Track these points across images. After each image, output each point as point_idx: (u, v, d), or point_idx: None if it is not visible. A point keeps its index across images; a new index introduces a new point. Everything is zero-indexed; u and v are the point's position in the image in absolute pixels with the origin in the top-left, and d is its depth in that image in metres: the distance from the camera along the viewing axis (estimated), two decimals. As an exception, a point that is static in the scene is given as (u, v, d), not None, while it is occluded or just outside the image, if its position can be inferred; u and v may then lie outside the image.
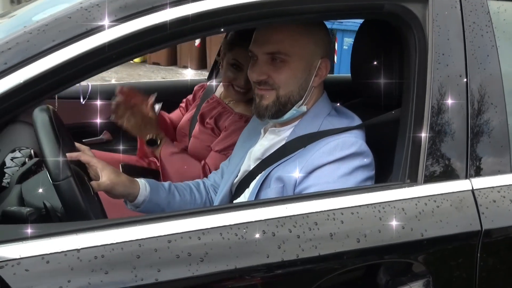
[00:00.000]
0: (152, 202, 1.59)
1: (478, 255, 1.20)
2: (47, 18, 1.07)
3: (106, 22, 1.06)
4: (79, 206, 1.22)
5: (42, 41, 1.03)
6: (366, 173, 1.40)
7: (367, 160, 1.41)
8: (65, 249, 0.96)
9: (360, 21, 1.73)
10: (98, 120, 2.62)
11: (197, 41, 9.34)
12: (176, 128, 2.50)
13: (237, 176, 1.65)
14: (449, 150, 1.27)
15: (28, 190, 1.41)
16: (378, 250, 1.15)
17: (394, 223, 1.14)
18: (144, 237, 1.01)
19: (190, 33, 1.14)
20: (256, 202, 1.13)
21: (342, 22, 7.08)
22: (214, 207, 1.12)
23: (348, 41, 7.22)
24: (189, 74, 9.10)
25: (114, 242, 0.99)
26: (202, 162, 2.06)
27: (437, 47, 1.30)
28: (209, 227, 1.06)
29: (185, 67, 9.60)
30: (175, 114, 2.58)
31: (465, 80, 1.31)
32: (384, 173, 1.42)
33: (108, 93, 2.76)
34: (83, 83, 2.62)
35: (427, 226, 1.18)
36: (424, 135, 1.26)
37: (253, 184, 1.54)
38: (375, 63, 1.69)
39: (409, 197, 1.20)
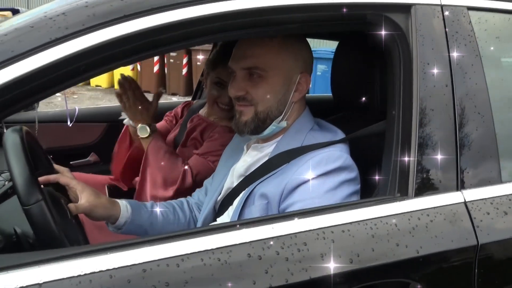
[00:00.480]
0: (134, 224, 1.41)
1: (476, 271, 1.03)
2: (7, 27, 0.89)
3: (72, 31, 0.87)
4: (51, 232, 1.02)
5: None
6: (352, 187, 1.22)
7: (352, 174, 1.23)
8: (24, 285, 0.76)
9: (332, 49, 1.58)
10: (85, 143, 2.45)
11: (184, 70, 9.31)
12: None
13: (220, 193, 1.46)
14: (438, 161, 1.10)
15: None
16: (373, 270, 0.96)
17: (387, 240, 0.96)
18: (116, 266, 0.81)
19: (165, 43, 0.96)
20: (240, 222, 0.94)
21: (315, 51, 7.10)
22: (194, 230, 0.92)
23: (321, 67, 7.38)
24: (176, 100, 9.05)
25: (82, 273, 0.79)
26: (185, 164, 1.85)
27: (421, 56, 1.14)
28: (188, 252, 0.86)
29: (174, 94, 9.60)
30: (160, 125, 2.37)
31: (451, 90, 1.15)
32: (367, 186, 1.25)
33: (95, 116, 2.58)
34: (70, 106, 2.44)
35: (422, 242, 1.00)
36: (413, 146, 1.09)
37: (236, 202, 1.36)
38: (355, 77, 1.53)
39: (401, 212, 1.02)
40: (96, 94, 9.52)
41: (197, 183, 1.79)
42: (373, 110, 1.47)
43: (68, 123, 2.30)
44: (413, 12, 1.17)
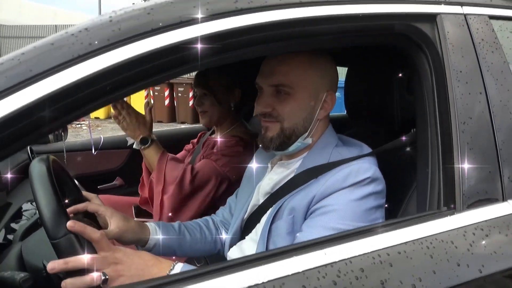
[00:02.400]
0: (163, 245, 1.21)
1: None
2: (26, 47, 0.67)
3: (96, 47, 0.66)
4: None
5: (16, 73, 0.62)
6: (378, 200, 1.01)
7: (380, 186, 1.02)
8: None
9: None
10: (110, 168, 2.24)
11: (191, 103, 9.17)
12: None
13: (246, 212, 1.24)
14: (483, 171, 0.88)
15: (28, 248, 0.97)
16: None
17: (447, 260, 0.73)
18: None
19: (195, 59, 0.75)
20: (289, 248, 0.71)
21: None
22: (237, 261, 0.69)
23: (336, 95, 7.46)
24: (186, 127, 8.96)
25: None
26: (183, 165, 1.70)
27: (454, 64, 0.94)
28: (237, 288, 0.63)
29: (183, 122, 9.45)
30: (180, 155, 2.17)
31: (485, 97, 0.94)
32: (391, 200, 1.04)
33: (118, 143, 2.37)
34: (95, 135, 2.24)
35: (483, 260, 0.77)
36: (455, 157, 0.87)
37: (264, 218, 1.14)
38: (369, 92, 1.33)
39: (454, 227, 0.80)
40: (117, 125, 9.29)
41: (198, 181, 1.64)
42: (391, 123, 1.26)
43: (93, 151, 2.10)
44: (439, 21, 0.97)
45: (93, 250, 0.84)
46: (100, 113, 9.89)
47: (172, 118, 9.56)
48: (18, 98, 0.60)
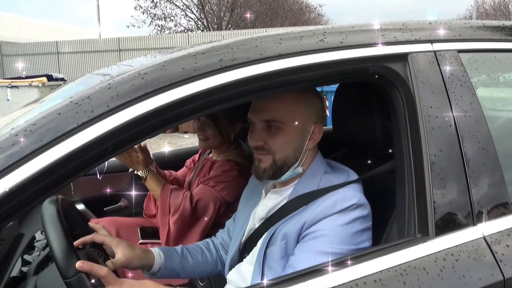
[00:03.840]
0: (168, 269, 1.30)
1: (506, 306, 0.88)
2: (36, 116, 0.77)
3: (97, 114, 0.75)
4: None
5: (28, 144, 0.71)
6: (364, 224, 1.10)
7: (365, 211, 1.11)
8: None
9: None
10: (115, 190, 2.33)
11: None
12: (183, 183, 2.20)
13: (243, 235, 1.34)
14: (453, 199, 0.96)
15: (42, 284, 1.06)
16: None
17: (419, 286, 0.82)
18: None
19: (187, 114, 0.84)
20: (273, 283, 0.80)
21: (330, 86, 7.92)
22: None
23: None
24: (188, 137, 8.94)
25: None
26: (184, 192, 1.82)
27: (424, 101, 1.02)
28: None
29: (185, 132, 9.56)
30: (181, 172, 2.28)
31: (455, 129, 1.03)
32: (376, 222, 1.12)
33: (122, 167, 2.46)
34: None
35: (452, 284, 0.85)
36: (427, 186, 0.96)
37: (260, 242, 1.23)
38: (355, 117, 1.41)
39: (426, 254, 0.89)
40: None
41: (199, 207, 1.76)
42: (374, 148, 1.34)
43: (98, 175, 2.20)
44: (410, 60, 1.05)
45: (102, 284, 0.93)
46: None
47: (174, 128, 9.68)
48: (33, 165, 0.70)
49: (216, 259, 1.46)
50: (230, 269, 1.35)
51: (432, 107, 1.02)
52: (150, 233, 1.98)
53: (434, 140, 0.99)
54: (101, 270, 0.95)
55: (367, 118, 1.35)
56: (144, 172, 1.84)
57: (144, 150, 1.87)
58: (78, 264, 0.91)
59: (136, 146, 1.84)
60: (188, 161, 2.27)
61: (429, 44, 1.10)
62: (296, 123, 1.18)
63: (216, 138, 1.86)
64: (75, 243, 1.09)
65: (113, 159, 2.32)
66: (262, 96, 0.96)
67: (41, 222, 0.99)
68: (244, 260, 1.32)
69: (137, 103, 0.78)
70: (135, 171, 1.86)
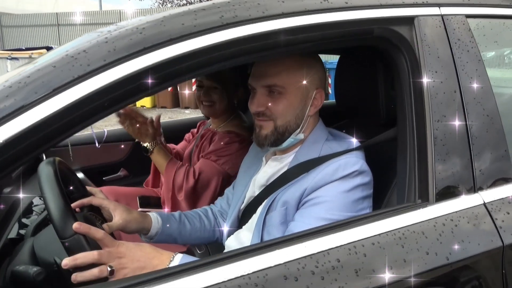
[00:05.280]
0: (165, 233, 1.30)
1: (504, 271, 0.88)
2: (30, 69, 0.75)
3: (94, 68, 0.73)
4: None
5: (23, 96, 0.70)
6: (365, 191, 1.09)
7: (366, 178, 1.10)
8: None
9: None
10: (115, 160, 2.33)
11: (194, 87, 9.18)
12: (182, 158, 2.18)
13: (243, 202, 1.33)
14: (455, 165, 0.95)
15: (39, 244, 1.06)
16: (407, 282, 0.81)
17: (417, 249, 0.81)
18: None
19: (184, 72, 0.82)
20: (271, 242, 0.80)
21: (330, 62, 7.62)
22: (224, 255, 0.77)
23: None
24: (189, 113, 8.92)
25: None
26: (186, 166, 1.81)
27: (429, 65, 1.00)
28: (225, 279, 0.72)
29: (186, 107, 9.54)
30: (181, 145, 2.27)
31: (459, 95, 1.01)
32: (377, 190, 1.12)
33: (123, 136, 2.45)
34: (97, 130, 2.32)
35: (451, 249, 0.85)
36: (429, 152, 0.94)
37: (260, 209, 1.23)
38: (358, 86, 1.39)
39: (426, 219, 0.88)
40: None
41: (202, 182, 1.75)
42: (377, 116, 1.33)
43: (96, 144, 2.19)
44: (416, 24, 1.03)
45: (99, 246, 0.93)
46: (147, 102, 9.80)
47: (176, 104, 9.64)
48: (26, 118, 0.68)
49: (214, 226, 1.46)
50: (228, 236, 1.35)
51: (437, 72, 1.00)
52: (149, 202, 1.98)
53: (438, 105, 0.97)
54: (98, 232, 0.94)
55: (370, 87, 1.33)
56: (151, 145, 1.81)
57: (155, 124, 1.82)
58: (75, 225, 0.90)
59: (148, 120, 1.80)
60: (187, 135, 2.26)
61: (437, 8, 1.07)
62: (298, 88, 1.16)
63: (222, 103, 1.83)
64: (72, 205, 1.08)
65: (115, 128, 2.32)
66: (263, 57, 0.93)
67: (38, 186, 0.98)
68: (243, 227, 1.31)
69: (134, 58, 0.76)
70: (142, 143, 1.83)
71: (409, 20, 1.03)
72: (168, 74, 0.79)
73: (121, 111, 1.76)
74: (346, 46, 1.08)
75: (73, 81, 0.71)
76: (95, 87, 0.72)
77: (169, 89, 9.54)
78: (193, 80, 9.12)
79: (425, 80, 0.99)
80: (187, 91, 8.84)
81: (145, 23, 0.81)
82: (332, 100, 1.64)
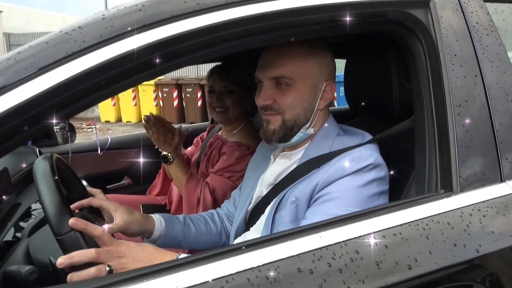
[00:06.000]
0: (168, 236, 1.22)
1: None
2: (23, 46, 0.70)
3: (89, 44, 0.68)
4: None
5: (12, 72, 0.64)
6: (381, 186, 1.02)
7: (382, 173, 1.03)
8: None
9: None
10: (119, 168, 2.28)
11: (199, 103, 9.21)
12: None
13: (250, 203, 1.26)
14: (479, 153, 0.88)
15: (34, 244, 1.00)
16: (434, 276, 0.73)
17: (443, 241, 0.74)
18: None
19: (187, 52, 0.77)
20: (284, 234, 0.73)
21: (337, 76, 7.56)
22: (234, 246, 0.71)
23: (343, 90, 7.51)
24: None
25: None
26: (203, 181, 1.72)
27: (448, 48, 0.94)
28: (233, 272, 0.65)
29: (192, 123, 9.54)
30: (189, 150, 2.21)
31: (481, 79, 0.94)
32: (393, 185, 1.04)
33: (126, 144, 2.40)
34: (101, 136, 2.28)
35: (480, 240, 0.78)
36: (451, 140, 0.88)
37: (268, 209, 1.15)
38: (369, 81, 1.34)
39: (451, 209, 0.81)
40: (127, 128, 9.39)
41: (217, 199, 1.66)
42: (391, 111, 1.27)
43: (99, 151, 2.15)
44: (432, 6, 0.97)
45: (97, 245, 0.87)
46: (111, 116, 10.06)
47: (182, 119, 9.63)
48: (15, 96, 0.63)
49: (221, 230, 1.39)
50: (235, 239, 1.28)
51: (457, 55, 0.94)
52: (153, 210, 1.92)
53: (458, 90, 0.91)
54: (96, 229, 0.88)
55: (382, 83, 1.27)
56: (172, 155, 1.73)
57: (182, 135, 1.75)
58: (72, 221, 0.84)
59: (176, 129, 1.74)
60: (196, 139, 2.19)
61: (453, -9, 1.02)
62: (307, 79, 1.10)
63: (236, 108, 1.76)
64: (71, 206, 1.02)
65: (119, 135, 2.27)
66: (270, 39, 0.88)
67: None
68: (250, 229, 1.24)
69: (133, 35, 0.71)
70: (162, 151, 1.74)
71: (424, 3, 0.97)
72: (170, 52, 0.74)
73: (151, 116, 1.74)
74: (357, 31, 1.03)
75: (67, 57, 0.66)
76: (91, 64, 0.67)
77: (175, 104, 9.58)
78: (199, 95, 9.17)
79: (444, 63, 0.93)
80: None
81: (145, 1, 0.77)
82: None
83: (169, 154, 1.72)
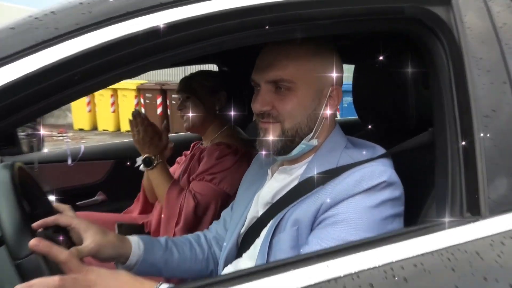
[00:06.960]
0: (147, 262, 1.16)
1: None
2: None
3: (63, 32, 0.64)
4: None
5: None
6: (395, 208, 0.98)
7: (397, 192, 0.99)
8: None
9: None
10: (91, 181, 2.22)
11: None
12: None
13: (243, 225, 1.21)
14: (511, 170, 0.85)
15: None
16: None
17: (472, 274, 0.70)
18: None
19: (175, 45, 0.73)
20: (283, 262, 0.68)
21: (346, 85, 8.00)
22: (223, 278, 0.66)
23: (347, 100, 7.46)
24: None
25: None
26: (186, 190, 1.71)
27: (473, 51, 0.92)
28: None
29: (177, 133, 9.50)
30: (172, 169, 2.16)
31: (510, 87, 0.92)
32: (409, 206, 1.01)
33: (101, 154, 2.35)
34: (73, 145, 2.24)
35: (514, 273, 0.74)
36: (478, 156, 0.85)
37: (264, 232, 1.11)
38: (379, 90, 1.31)
39: (479, 237, 0.77)
40: (104, 138, 9.30)
41: (200, 208, 1.66)
42: (405, 121, 1.24)
43: (69, 161, 2.09)
44: (455, 4, 0.95)
45: (62, 271, 0.81)
46: (85, 124, 9.98)
47: (168, 129, 9.59)
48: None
49: (208, 256, 1.33)
50: (225, 266, 1.22)
51: (483, 59, 0.92)
52: (130, 230, 1.87)
53: (486, 98, 0.89)
54: (61, 253, 0.82)
55: (396, 90, 1.25)
56: (156, 158, 1.71)
57: (167, 138, 1.76)
58: (33, 241, 0.79)
59: (163, 127, 1.76)
60: (179, 158, 2.17)
61: (478, -12, 1.00)
62: (310, 83, 1.06)
63: (198, 112, 1.79)
64: (34, 225, 0.97)
65: (93, 144, 2.22)
66: (270, 37, 0.85)
67: None
68: (243, 255, 1.19)
69: (115, 24, 0.67)
70: (143, 154, 1.72)
71: (446, 0, 0.95)
72: (155, 45, 0.70)
73: (140, 112, 1.74)
74: (370, 29, 1.00)
75: (35, 46, 0.62)
76: (64, 55, 0.63)
77: (158, 111, 9.55)
78: (159, 101, 9.09)
79: (468, 67, 0.90)
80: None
81: (130, -15, 0.73)
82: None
83: (153, 157, 1.70)
